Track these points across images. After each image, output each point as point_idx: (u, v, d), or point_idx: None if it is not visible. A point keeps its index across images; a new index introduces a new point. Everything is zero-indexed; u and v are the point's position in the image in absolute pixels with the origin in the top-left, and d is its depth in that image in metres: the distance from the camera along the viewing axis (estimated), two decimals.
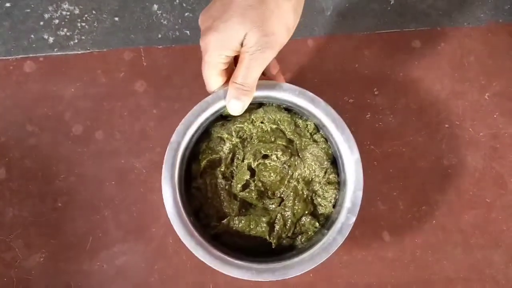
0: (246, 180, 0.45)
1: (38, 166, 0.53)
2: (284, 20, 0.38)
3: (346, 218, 0.43)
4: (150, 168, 0.53)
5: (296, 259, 0.42)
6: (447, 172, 0.54)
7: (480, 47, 0.56)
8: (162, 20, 0.56)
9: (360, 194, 0.43)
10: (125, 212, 0.52)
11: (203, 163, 0.46)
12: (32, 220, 0.52)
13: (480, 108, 0.55)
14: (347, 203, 0.43)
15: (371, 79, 0.55)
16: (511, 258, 0.52)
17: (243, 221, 0.44)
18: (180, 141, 0.43)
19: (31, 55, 0.55)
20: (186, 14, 0.56)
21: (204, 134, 0.47)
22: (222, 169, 0.46)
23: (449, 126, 0.55)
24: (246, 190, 0.45)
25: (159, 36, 0.55)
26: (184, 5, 0.56)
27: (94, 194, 0.53)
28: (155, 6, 0.56)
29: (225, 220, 0.45)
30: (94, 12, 0.56)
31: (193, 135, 0.44)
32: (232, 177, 0.46)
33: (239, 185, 0.45)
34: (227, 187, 0.46)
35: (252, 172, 0.46)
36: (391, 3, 0.57)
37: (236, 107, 0.42)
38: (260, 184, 0.46)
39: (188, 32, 0.55)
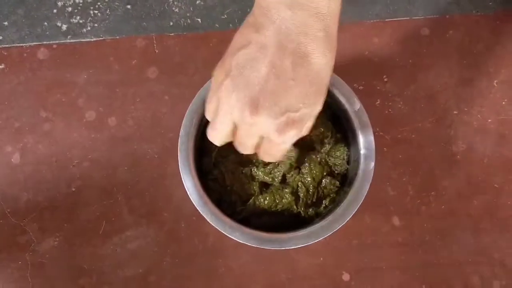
0: None
1: (52, 152, 0.54)
2: None
3: (365, 165, 0.44)
4: (162, 153, 0.54)
5: (337, 211, 0.43)
6: (455, 158, 0.54)
7: (489, 34, 0.56)
8: (173, 8, 0.56)
9: (371, 138, 0.44)
10: (137, 197, 0.53)
11: (214, 154, 0.46)
12: (46, 205, 0.53)
13: (489, 95, 0.55)
14: (362, 151, 0.44)
15: (380, 66, 0.56)
16: None
17: (267, 198, 0.45)
18: (188, 132, 0.44)
19: (44, 42, 0.55)
20: (198, 2, 0.56)
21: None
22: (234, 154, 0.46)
23: (457, 112, 0.55)
24: (267, 167, 0.46)
25: (171, 23, 0.56)
26: None
27: (107, 179, 0.53)
28: None
29: (251, 200, 0.45)
30: (106, 0, 0.56)
31: (196, 133, 0.45)
32: (247, 159, 0.47)
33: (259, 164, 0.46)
34: (243, 171, 0.46)
35: None
36: None
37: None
38: None
39: (199, 19, 0.56)
